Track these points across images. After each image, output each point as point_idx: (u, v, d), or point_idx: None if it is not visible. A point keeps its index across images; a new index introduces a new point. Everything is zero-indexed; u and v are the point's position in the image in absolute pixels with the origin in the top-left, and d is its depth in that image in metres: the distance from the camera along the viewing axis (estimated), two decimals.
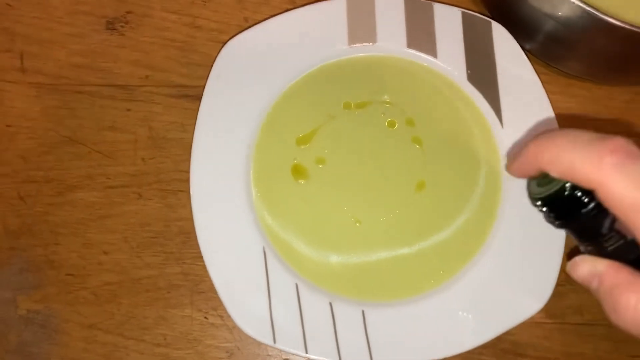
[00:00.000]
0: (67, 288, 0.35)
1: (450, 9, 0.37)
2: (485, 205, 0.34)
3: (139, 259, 0.35)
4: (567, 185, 0.23)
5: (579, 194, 0.23)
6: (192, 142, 0.35)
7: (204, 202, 0.34)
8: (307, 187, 0.35)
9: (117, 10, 0.39)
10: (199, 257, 0.33)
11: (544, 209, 0.24)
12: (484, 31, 0.37)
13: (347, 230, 0.34)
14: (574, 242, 0.25)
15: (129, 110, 0.37)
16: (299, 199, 0.35)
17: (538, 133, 0.24)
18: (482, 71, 0.36)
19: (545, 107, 0.36)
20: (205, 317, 0.35)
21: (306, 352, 0.32)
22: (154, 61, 0.38)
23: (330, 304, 0.33)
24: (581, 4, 0.30)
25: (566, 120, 0.37)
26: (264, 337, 0.32)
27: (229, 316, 0.33)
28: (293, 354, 0.33)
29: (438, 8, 0.37)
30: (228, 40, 0.36)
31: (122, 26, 0.39)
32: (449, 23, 0.37)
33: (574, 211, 0.23)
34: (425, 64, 0.37)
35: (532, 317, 0.32)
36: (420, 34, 0.37)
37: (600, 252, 0.24)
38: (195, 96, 0.37)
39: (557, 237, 0.33)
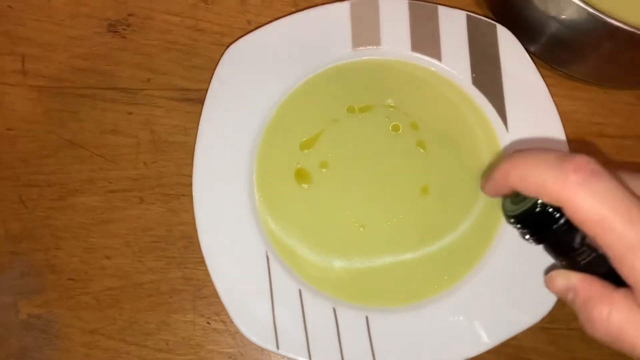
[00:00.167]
0: (69, 293, 0.35)
1: (455, 12, 0.37)
2: (490, 210, 0.34)
3: (141, 263, 0.35)
4: (538, 202, 0.24)
5: (550, 210, 0.23)
6: (194, 146, 0.34)
7: (206, 207, 0.34)
8: (311, 192, 0.35)
9: (119, 12, 0.39)
10: (202, 261, 0.33)
11: (518, 225, 0.25)
12: (489, 34, 0.36)
13: (350, 235, 0.34)
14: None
15: (130, 113, 0.37)
16: (302, 203, 0.34)
17: (510, 153, 0.25)
18: (487, 74, 0.36)
19: (550, 111, 0.35)
20: (208, 323, 0.35)
21: (309, 358, 0.31)
22: (156, 64, 0.38)
23: (334, 310, 0.33)
24: (586, 7, 0.30)
25: (571, 123, 0.37)
26: (267, 343, 0.32)
27: (231, 321, 0.32)
28: None
29: (442, 11, 0.37)
30: (231, 43, 0.36)
31: (124, 29, 0.39)
32: (453, 26, 0.37)
33: (546, 227, 0.24)
34: (430, 68, 0.37)
35: (537, 322, 0.32)
36: (425, 37, 0.36)
37: (574, 266, 0.25)
38: (197, 99, 0.37)
39: None
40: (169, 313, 0.35)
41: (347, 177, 0.35)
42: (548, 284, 0.26)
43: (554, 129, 0.35)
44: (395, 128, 0.36)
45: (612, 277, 0.22)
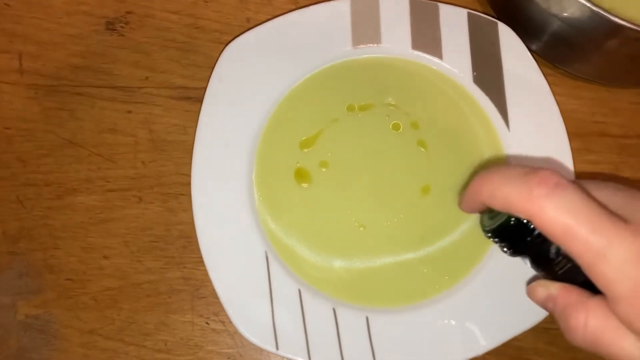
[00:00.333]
0: (67, 293, 0.35)
1: (456, 10, 0.36)
2: None
3: (139, 263, 0.35)
4: (512, 216, 0.25)
5: (523, 223, 0.24)
6: (193, 144, 0.34)
7: (205, 206, 0.33)
8: (311, 191, 0.34)
9: (117, 10, 0.39)
10: (200, 261, 0.33)
11: (496, 239, 0.26)
12: (490, 32, 0.36)
13: (350, 234, 0.34)
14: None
15: (129, 112, 0.37)
16: (302, 203, 0.34)
17: (483, 169, 0.26)
18: (488, 73, 0.36)
19: (552, 109, 0.35)
20: (207, 323, 0.34)
21: (309, 359, 0.31)
22: (154, 62, 0.38)
23: (334, 310, 0.32)
24: (589, 5, 0.29)
25: (573, 122, 0.36)
26: (266, 344, 0.31)
27: (230, 322, 0.32)
28: None
29: (443, 9, 0.36)
30: (230, 41, 0.36)
31: (122, 27, 0.38)
32: (454, 24, 0.36)
33: (521, 240, 0.25)
34: (431, 66, 0.36)
35: (538, 323, 0.32)
36: (426, 35, 0.36)
37: (553, 276, 0.25)
38: (196, 98, 0.37)
39: None
40: (167, 313, 0.34)
41: (347, 176, 0.35)
42: (530, 294, 0.26)
43: (556, 128, 0.35)
44: (396, 127, 0.36)
45: (589, 284, 0.23)
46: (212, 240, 0.33)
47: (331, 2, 0.36)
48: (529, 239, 0.25)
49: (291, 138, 0.35)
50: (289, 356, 0.31)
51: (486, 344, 0.32)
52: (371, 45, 0.36)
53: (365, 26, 0.36)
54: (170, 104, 0.37)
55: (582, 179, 0.35)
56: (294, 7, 0.38)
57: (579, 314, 0.23)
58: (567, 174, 0.34)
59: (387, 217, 0.34)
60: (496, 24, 0.36)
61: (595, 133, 0.37)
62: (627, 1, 0.31)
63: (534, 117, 0.35)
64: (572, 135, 0.35)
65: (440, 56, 0.36)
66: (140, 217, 0.35)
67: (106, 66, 0.38)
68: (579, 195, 0.22)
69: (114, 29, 0.38)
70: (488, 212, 0.27)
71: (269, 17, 0.38)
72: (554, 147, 0.35)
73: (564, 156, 0.34)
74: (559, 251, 0.24)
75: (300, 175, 0.35)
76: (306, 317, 0.32)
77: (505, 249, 0.26)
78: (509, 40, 0.36)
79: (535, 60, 0.36)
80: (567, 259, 0.24)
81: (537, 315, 0.32)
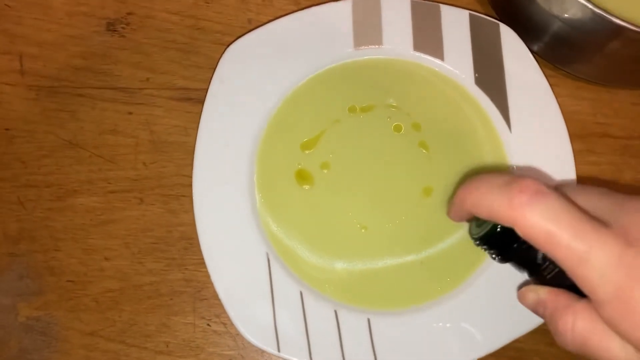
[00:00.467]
0: (68, 295, 0.34)
1: (458, 11, 0.36)
2: None
3: (140, 265, 0.35)
4: (498, 224, 0.25)
5: (508, 230, 0.24)
6: (194, 146, 0.34)
7: (206, 208, 0.33)
8: (312, 193, 0.34)
9: (118, 11, 0.38)
10: (202, 263, 0.33)
11: (484, 247, 0.27)
12: (492, 34, 0.36)
13: (352, 236, 0.34)
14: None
15: (130, 113, 0.37)
16: (304, 204, 0.34)
17: (468, 179, 0.26)
18: (489, 74, 0.36)
19: (553, 111, 0.35)
20: (208, 325, 0.34)
21: None
22: (155, 63, 0.38)
23: (335, 312, 0.32)
24: (591, 6, 0.29)
25: (574, 123, 0.36)
26: (268, 345, 0.31)
27: (232, 323, 0.32)
28: None
29: (445, 10, 0.36)
30: (231, 42, 0.36)
31: (123, 27, 0.38)
32: (456, 25, 0.36)
33: (508, 247, 0.26)
34: (432, 67, 0.36)
35: (539, 325, 0.32)
36: (427, 37, 0.36)
37: (542, 280, 0.26)
38: (197, 99, 0.37)
39: None
40: (169, 315, 0.34)
41: (348, 178, 0.35)
42: (520, 300, 0.27)
43: (557, 129, 0.35)
44: (397, 128, 0.36)
45: (577, 288, 0.23)
46: (214, 241, 0.33)
47: (332, 3, 0.36)
48: (515, 245, 0.25)
49: (292, 139, 0.35)
50: (291, 358, 0.31)
51: (487, 346, 0.32)
52: (373, 46, 0.36)
53: (367, 27, 0.36)
54: (171, 105, 0.37)
55: (582, 180, 0.35)
56: (295, 8, 0.38)
57: (567, 318, 0.23)
58: (569, 175, 0.34)
59: (389, 219, 0.34)
60: (498, 25, 0.36)
61: (597, 134, 0.37)
62: (628, 2, 0.31)
63: (535, 118, 0.35)
64: (573, 136, 0.35)
65: (441, 57, 0.36)
66: (141, 219, 0.35)
67: (107, 67, 0.38)
68: (559, 202, 0.22)
69: (115, 30, 0.38)
70: (476, 221, 0.27)
71: (270, 18, 0.38)
72: (556, 148, 0.35)
73: (566, 157, 0.34)
74: (545, 256, 0.25)
75: (302, 176, 0.35)
76: (308, 319, 0.32)
77: (494, 256, 0.27)
78: (510, 41, 0.36)
79: (537, 61, 0.36)
80: (554, 264, 0.24)
81: (538, 317, 0.31)
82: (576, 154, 0.35)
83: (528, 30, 0.36)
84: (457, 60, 0.36)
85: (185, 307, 0.34)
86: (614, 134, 0.37)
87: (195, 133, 0.34)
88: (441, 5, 0.37)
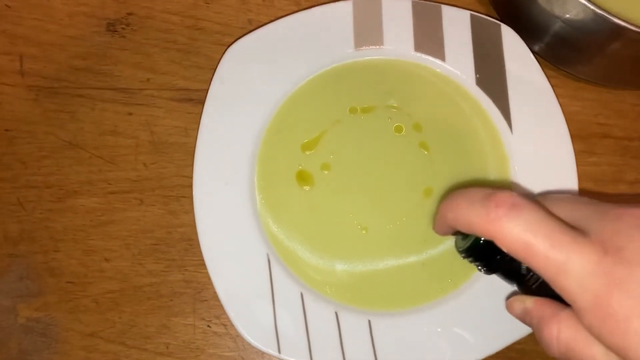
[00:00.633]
0: (68, 296, 0.34)
1: (459, 12, 0.36)
2: None
3: (140, 266, 0.35)
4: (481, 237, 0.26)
5: (491, 243, 0.24)
6: (194, 147, 0.34)
7: (207, 209, 0.33)
8: (313, 194, 0.34)
9: (118, 11, 0.38)
10: (202, 264, 0.33)
11: (470, 259, 0.27)
12: (493, 34, 0.36)
13: (353, 237, 0.34)
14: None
15: (130, 114, 0.37)
16: (304, 205, 0.34)
17: (450, 193, 0.27)
18: (491, 75, 0.36)
19: (555, 112, 0.35)
20: (208, 326, 0.34)
21: None
22: (155, 64, 0.38)
23: (336, 314, 0.32)
24: (592, 6, 0.29)
25: (575, 124, 0.36)
26: (268, 347, 0.31)
27: (232, 325, 0.32)
28: None
29: (446, 10, 0.36)
30: (232, 42, 0.36)
31: (123, 28, 0.38)
32: (457, 26, 0.36)
33: (492, 259, 0.26)
34: (433, 68, 0.36)
35: None
36: (428, 37, 0.36)
37: (529, 290, 0.26)
38: (198, 100, 0.37)
39: None
40: (169, 316, 0.34)
41: (349, 178, 0.35)
42: (508, 309, 0.27)
43: (559, 130, 0.35)
44: (398, 129, 0.35)
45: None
46: (214, 242, 0.33)
47: (333, 3, 0.36)
48: (498, 257, 0.26)
49: (293, 140, 0.35)
50: None
51: (489, 347, 0.32)
52: (373, 47, 0.36)
53: (368, 28, 0.36)
54: (171, 105, 0.37)
55: (583, 180, 0.35)
56: (295, 8, 0.38)
57: (552, 326, 0.24)
58: (570, 176, 0.34)
59: (390, 220, 0.34)
60: (499, 25, 0.36)
61: (598, 135, 0.37)
62: (630, 3, 0.31)
63: (536, 119, 0.35)
64: (574, 137, 0.35)
65: (442, 58, 0.36)
66: (141, 220, 0.35)
67: (107, 68, 0.37)
68: (536, 214, 0.23)
69: (115, 31, 0.38)
70: (461, 233, 0.28)
71: (270, 18, 0.37)
72: (557, 149, 0.35)
73: (567, 158, 0.34)
74: (529, 267, 0.25)
75: (302, 177, 0.35)
76: (308, 321, 0.32)
77: (479, 268, 0.27)
78: (511, 42, 0.36)
79: (538, 62, 0.36)
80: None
81: None
82: (577, 154, 0.35)
83: (529, 31, 0.36)
84: (458, 61, 0.36)
85: (185, 308, 0.34)
86: (615, 134, 0.37)
87: (196, 134, 0.34)
88: (442, 5, 0.36)
